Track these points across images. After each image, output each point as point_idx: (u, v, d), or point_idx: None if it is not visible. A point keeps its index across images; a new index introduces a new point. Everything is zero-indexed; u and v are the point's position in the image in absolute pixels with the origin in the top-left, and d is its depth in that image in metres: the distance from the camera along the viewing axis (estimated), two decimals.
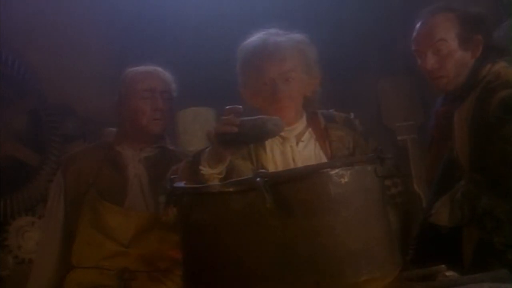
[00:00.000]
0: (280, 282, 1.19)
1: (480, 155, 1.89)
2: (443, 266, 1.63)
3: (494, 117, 1.85)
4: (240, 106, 1.59)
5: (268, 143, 1.92)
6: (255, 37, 1.97)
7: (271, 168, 1.86)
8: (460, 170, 1.96)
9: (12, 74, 3.30)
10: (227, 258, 1.24)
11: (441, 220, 1.93)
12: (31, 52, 3.35)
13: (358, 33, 3.48)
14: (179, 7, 3.57)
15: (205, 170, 1.63)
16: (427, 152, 2.27)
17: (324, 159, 1.90)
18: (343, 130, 1.98)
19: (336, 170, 1.24)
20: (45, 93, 3.43)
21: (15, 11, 3.22)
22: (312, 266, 1.19)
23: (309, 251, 1.19)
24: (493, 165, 1.85)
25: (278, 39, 1.94)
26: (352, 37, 3.48)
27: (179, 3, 3.59)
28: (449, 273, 1.59)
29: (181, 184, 1.37)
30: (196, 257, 1.31)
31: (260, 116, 1.58)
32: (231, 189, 1.25)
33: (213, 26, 3.48)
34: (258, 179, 1.19)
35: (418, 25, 2.04)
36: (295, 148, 1.92)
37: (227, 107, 1.59)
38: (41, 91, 3.42)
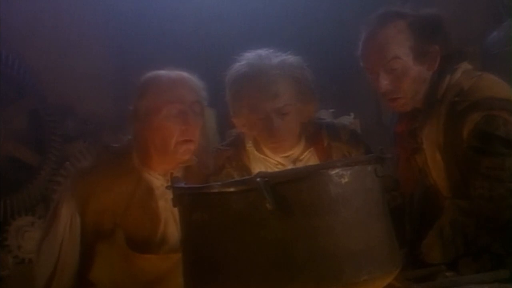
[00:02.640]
0: (280, 282, 1.19)
1: (462, 186, 1.72)
2: (443, 266, 1.64)
3: (471, 148, 1.67)
4: None
5: (265, 167, 1.90)
6: (245, 63, 1.84)
7: None
8: (439, 196, 1.81)
9: (12, 74, 3.29)
10: (227, 258, 1.24)
11: (434, 258, 1.74)
12: (31, 52, 3.35)
13: (358, 33, 3.48)
14: (179, 8, 3.57)
15: None
16: (397, 168, 1.95)
17: None
18: (347, 148, 1.92)
19: (336, 170, 1.24)
20: (45, 93, 3.43)
21: (15, 11, 3.22)
22: (312, 266, 1.19)
23: (309, 251, 1.19)
24: (480, 199, 1.67)
25: (270, 66, 1.80)
26: (352, 37, 3.48)
27: (179, 3, 3.59)
28: (449, 273, 1.60)
29: (181, 184, 1.36)
30: (196, 257, 1.31)
31: None
32: (231, 189, 1.24)
33: (213, 26, 3.48)
34: (258, 179, 1.19)
35: (364, 36, 1.83)
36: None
37: None
38: (41, 91, 3.42)
